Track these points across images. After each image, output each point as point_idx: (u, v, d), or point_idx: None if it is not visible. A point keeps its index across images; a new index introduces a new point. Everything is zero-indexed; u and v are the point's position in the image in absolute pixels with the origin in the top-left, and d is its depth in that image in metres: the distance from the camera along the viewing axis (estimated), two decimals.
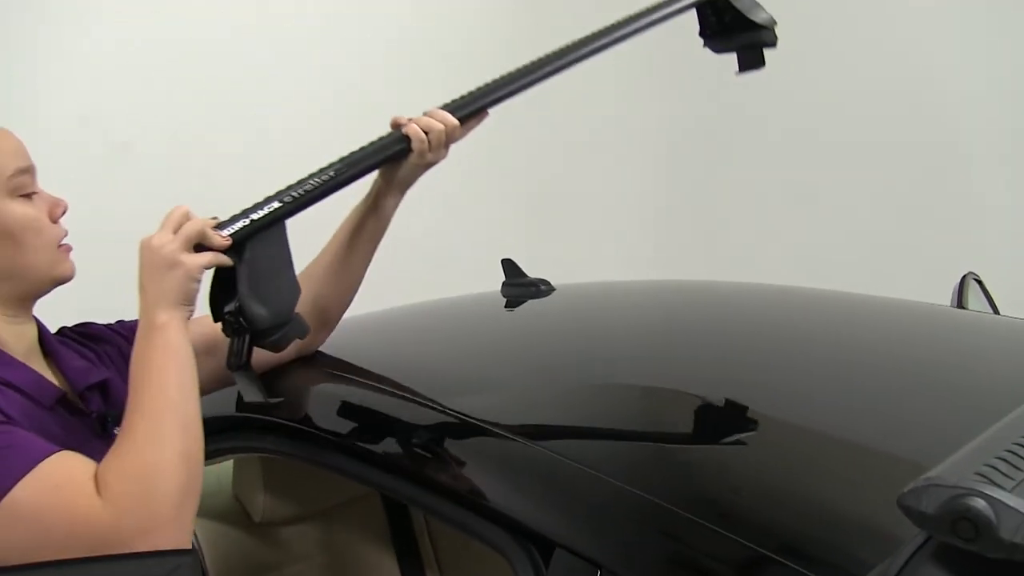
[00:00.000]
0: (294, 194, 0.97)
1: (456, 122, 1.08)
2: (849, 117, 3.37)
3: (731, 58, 1.37)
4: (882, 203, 3.33)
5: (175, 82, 2.59)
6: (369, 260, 1.17)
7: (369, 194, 1.14)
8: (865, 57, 3.33)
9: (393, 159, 1.07)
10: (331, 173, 1.00)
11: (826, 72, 3.40)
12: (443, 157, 1.10)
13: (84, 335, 1.06)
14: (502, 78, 1.13)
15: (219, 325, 0.96)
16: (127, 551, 0.76)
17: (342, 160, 1.02)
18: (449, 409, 0.99)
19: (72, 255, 0.97)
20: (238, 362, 0.95)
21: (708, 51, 1.37)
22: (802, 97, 3.46)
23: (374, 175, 1.12)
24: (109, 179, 2.41)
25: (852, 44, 3.37)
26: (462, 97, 1.11)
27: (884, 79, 3.29)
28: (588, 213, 3.57)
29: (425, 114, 1.08)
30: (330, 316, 1.19)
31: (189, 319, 0.90)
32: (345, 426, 1.07)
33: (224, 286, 0.94)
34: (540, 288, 1.57)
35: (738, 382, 1.09)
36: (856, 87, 3.34)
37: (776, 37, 1.39)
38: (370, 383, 1.10)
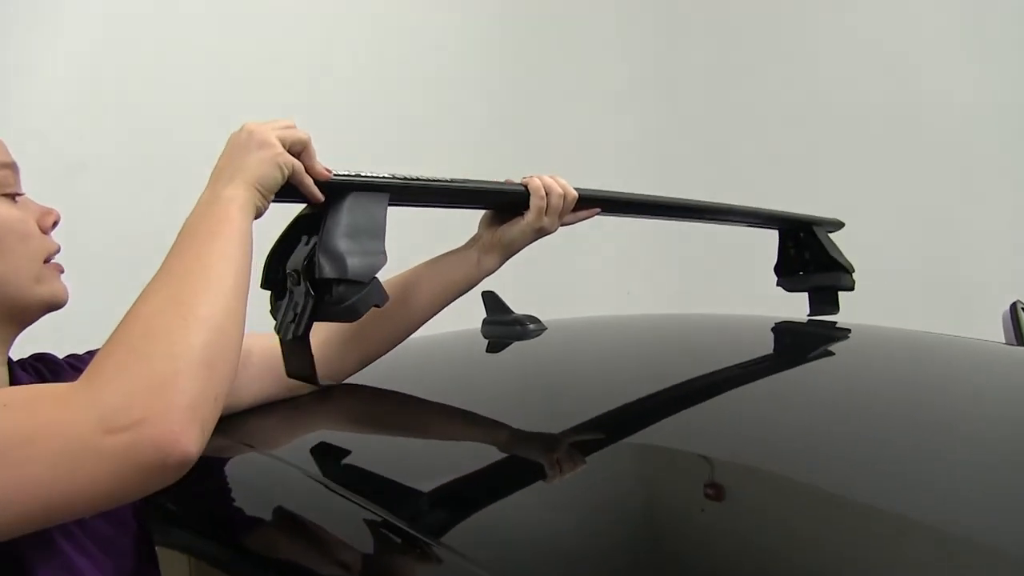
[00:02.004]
0: (404, 176, 0.88)
1: (576, 195, 1.02)
2: (855, 136, 3.16)
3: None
4: (889, 230, 3.09)
5: (133, 97, 2.37)
6: (439, 309, 1.03)
7: (470, 245, 1.04)
8: (871, 74, 3.12)
9: (508, 202, 1.00)
10: (445, 181, 0.92)
11: (831, 90, 3.20)
12: (554, 229, 1.03)
13: (50, 372, 0.84)
14: (625, 194, 1.13)
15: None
16: (107, 446, 0.56)
17: (456, 180, 0.94)
18: (396, 520, 0.70)
19: (64, 278, 0.80)
20: (296, 331, 0.81)
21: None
22: (804, 117, 3.26)
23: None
24: (64, 199, 2.17)
25: (858, 59, 3.17)
26: (585, 189, 1.06)
27: (892, 96, 3.08)
28: (574, 242, 3.32)
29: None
30: (374, 348, 1.02)
31: (258, 215, 0.77)
32: (257, 530, 0.79)
33: (292, 242, 0.83)
34: (527, 327, 1.30)
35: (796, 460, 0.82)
36: (865, 103, 3.13)
37: (854, 282, 1.40)
38: (301, 470, 0.82)
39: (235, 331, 0.66)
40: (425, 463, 0.85)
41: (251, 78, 2.56)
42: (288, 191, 0.78)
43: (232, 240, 0.70)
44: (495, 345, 1.28)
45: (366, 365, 1.02)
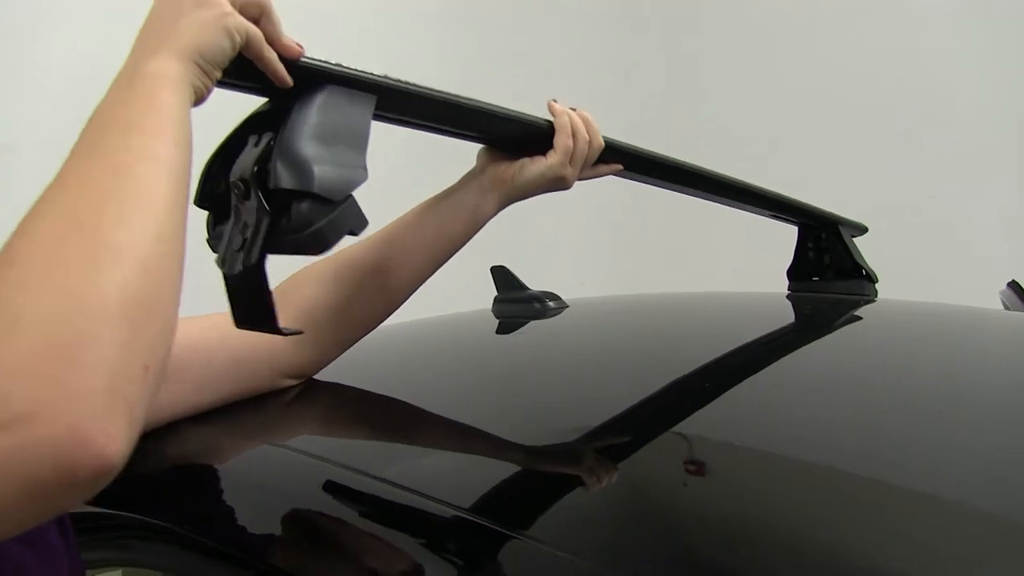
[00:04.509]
0: (397, 80, 0.67)
1: (602, 144, 0.84)
2: (830, 122, 3.08)
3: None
4: (867, 215, 3.02)
5: (67, 77, 2.13)
6: (435, 267, 0.81)
7: (465, 185, 0.83)
8: (850, 64, 3.05)
9: (525, 135, 0.81)
10: (454, 95, 0.73)
11: (806, 78, 3.12)
12: (571, 183, 0.83)
13: None
14: (654, 153, 0.95)
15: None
16: None
17: (469, 99, 0.75)
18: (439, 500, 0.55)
19: None
20: (246, 260, 0.58)
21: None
22: (780, 105, 3.16)
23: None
24: None
25: (831, 49, 3.09)
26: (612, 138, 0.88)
27: (872, 83, 3.01)
28: (545, 224, 3.17)
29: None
30: (356, 329, 0.80)
31: (198, 101, 0.55)
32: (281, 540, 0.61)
33: (240, 145, 0.61)
34: (547, 304, 1.13)
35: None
36: (840, 92, 3.05)
37: (877, 293, 1.26)
38: (326, 461, 0.65)
39: (170, 266, 0.45)
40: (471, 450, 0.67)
41: None
42: (241, 71, 0.58)
43: (161, 133, 0.49)
44: (514, 325, 1.11)
45: (349, 346, 0.80)
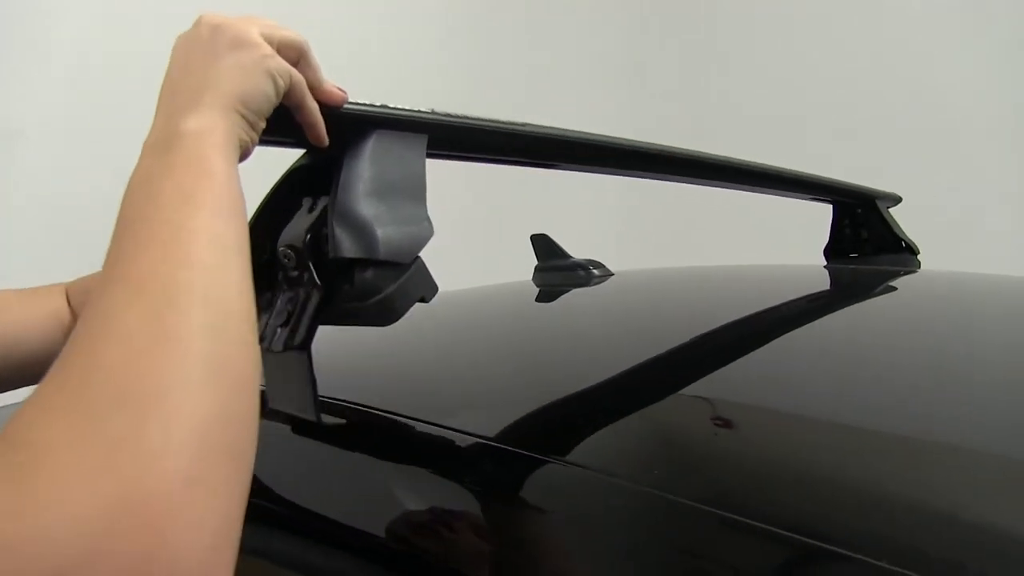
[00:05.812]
0: (447, 114, 0.60)
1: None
2: (835, 111, 3.09)
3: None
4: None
5: (78, 60, 2.08)
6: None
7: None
8: (855, 52, 3.07)
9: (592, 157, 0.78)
10: (509, 123, 0.66)
11: (812, 66, 3.13)
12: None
13: None
14: (706, 155, 0.88)
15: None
16: None
17: (522, 124, 0.68)
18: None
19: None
20: (290, 339, 0.51)
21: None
22: (786, 89, 3.17)
23: None
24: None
25: (838, 40, 3.11)
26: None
27: (876, 72, 3.03)
28: (548, 205, 3.15)
29: None
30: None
31: (243, 156, 0.48)
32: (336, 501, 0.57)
33: (285, 207, 0.55)
34: (591, 271, 1.09)
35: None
36: (845, 79, 3.07)
37: (920, 264, 1.22)
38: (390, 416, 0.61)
39: (257, 378, 0.38)
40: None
41: None
42: (276, 123, 0.50)
43: (219, 207, 0.41)
44: (551, 293, 1.07)
45: None
